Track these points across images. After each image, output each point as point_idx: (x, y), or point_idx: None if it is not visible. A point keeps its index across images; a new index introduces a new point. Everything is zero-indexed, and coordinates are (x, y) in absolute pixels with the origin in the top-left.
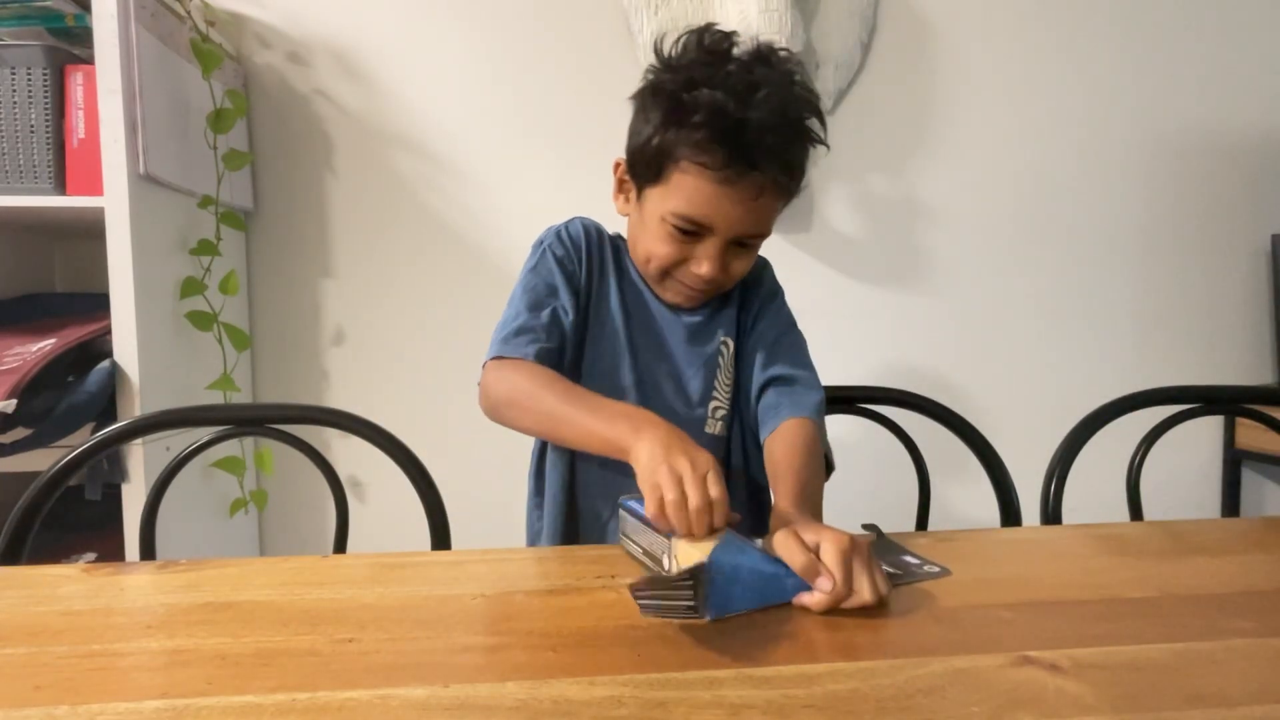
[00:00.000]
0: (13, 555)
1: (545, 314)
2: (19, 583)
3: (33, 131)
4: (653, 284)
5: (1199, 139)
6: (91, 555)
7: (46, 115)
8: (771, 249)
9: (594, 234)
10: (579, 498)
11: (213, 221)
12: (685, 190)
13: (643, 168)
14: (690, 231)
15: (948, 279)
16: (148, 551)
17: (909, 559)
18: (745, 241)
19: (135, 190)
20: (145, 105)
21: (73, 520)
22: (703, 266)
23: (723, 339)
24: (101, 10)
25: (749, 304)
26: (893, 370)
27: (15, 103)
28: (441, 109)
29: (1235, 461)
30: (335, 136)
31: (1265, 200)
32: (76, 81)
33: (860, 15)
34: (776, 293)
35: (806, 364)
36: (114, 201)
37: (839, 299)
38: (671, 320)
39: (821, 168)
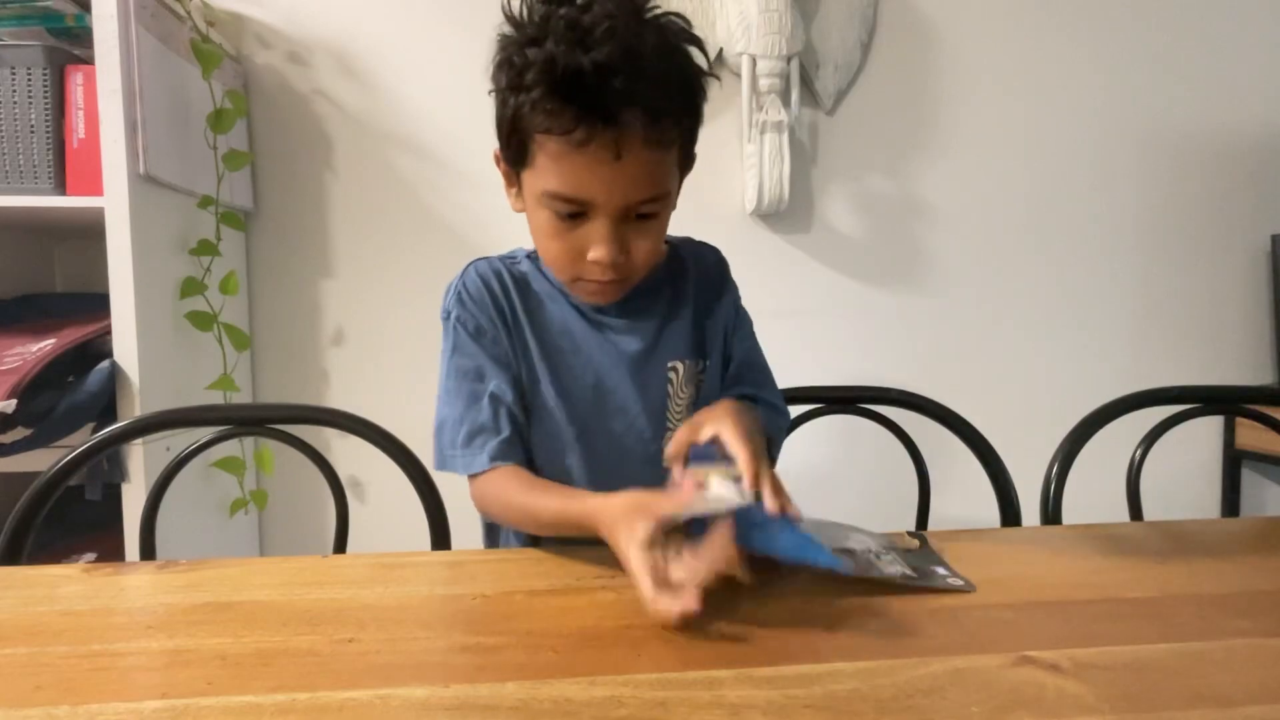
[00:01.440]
0: (13, 555)
1: (485, 404)
2: (19, 583)
3: (33, 131)
4: (568, 289)
5: (1199, 139)
6: (91, 555)
7: (46, 115)
8: (772, 249)
9: (494, 281)
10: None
11: (213, 221)
12: (548, 167)
13: (509, 151)
14: (573, 215)
15: (948, 279)
16: (148, 551)
17: (938, 568)
18: (641, 211)
19: (135, 190)
20: (145, 105)
21: (73, 520)
22: (596, 250)
23: (671, 365)
24: (101, 10)
25: (710, 312)
26: (892, 370)
27: (15, 103)
28: (441, 109)
29: (1235, 461)
30: (335, 136)
31: (1265, 200)
32: (76, 81)
33: (860, 15)
34: (738, 299)
35: (773, 385)
36: (114, 201)
37: (839, 299)
38: (612, 352)
39: (821, 167)
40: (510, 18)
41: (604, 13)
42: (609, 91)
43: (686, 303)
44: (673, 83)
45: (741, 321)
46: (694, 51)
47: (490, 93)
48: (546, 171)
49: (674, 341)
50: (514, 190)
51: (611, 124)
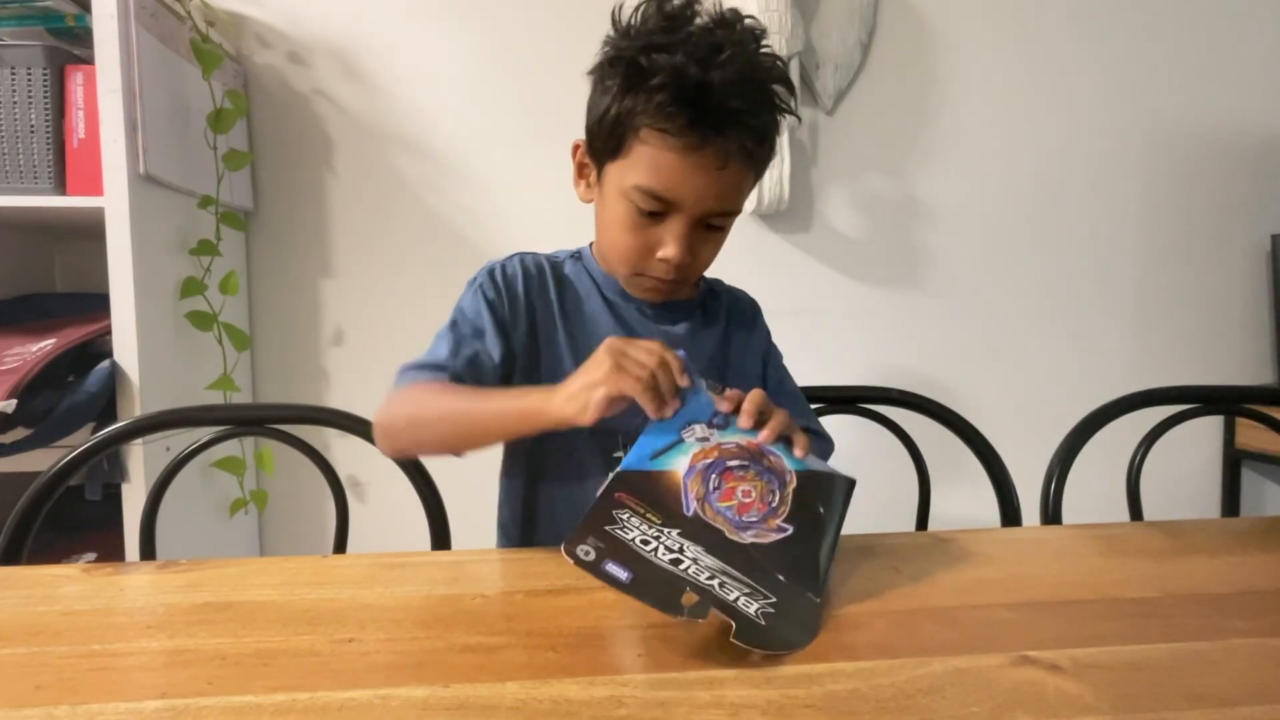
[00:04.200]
0: (13, 555)
1: (464, 354)
2: (19, 583)
3: (33, 131)
4: (623, 283)
5: (1199, 139)
6: (91, 555)
7: (46, 115)
8: (772, 249)
9: (534, 272)
10: (539, 533)
11: (213, 221)
12: (646, 161)
13: (601, 141)
14: (654, 212)
15: (948, 279)
16: (148, 551)
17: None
18: (713, 222)
19: (135, 190)
20: (145, 105)
21: (73, 520)
22: (668, 248)
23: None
24: (101, 10)
25: (739, 345)
26: (893, 370)
27: (15, 103)
28: (441, 109)
29: (1235, 461)
30: (335, 136)
31: (1265, 200)
32: (76, 81)
33: (860, 15)
34: (769, 335)
35: (812, 414)
36: (114, 201)
37: (839, 299)
38: None
39: (821, 167)
40: (620, 27)
41: (728, 39)
42: (725, 108)
43: (716, 327)
44: (772, 111)
45: (775, 356)
46: (782, 90)
47: (590, 79)
48: (642, 166)
49: (698, 357)
50: (584, 181)
51: (720, 136)
